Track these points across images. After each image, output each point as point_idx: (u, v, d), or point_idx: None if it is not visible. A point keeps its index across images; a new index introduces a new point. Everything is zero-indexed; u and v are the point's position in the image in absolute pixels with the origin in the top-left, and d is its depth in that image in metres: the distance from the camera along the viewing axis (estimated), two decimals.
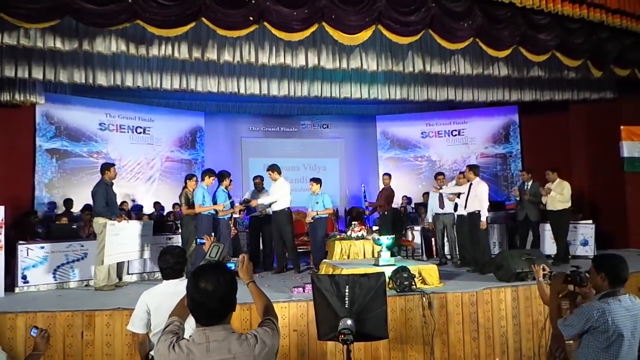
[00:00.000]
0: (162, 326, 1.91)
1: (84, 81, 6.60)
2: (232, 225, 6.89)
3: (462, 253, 7.22)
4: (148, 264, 6.72)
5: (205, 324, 1.72)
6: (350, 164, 12.19)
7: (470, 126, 11.48)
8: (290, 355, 4.58)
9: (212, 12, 5.32)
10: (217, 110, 11.31)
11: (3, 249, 5.64)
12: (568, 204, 7.13)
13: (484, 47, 6.39)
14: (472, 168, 6.92)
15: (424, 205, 8.86)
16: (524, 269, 5.42)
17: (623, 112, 8.70)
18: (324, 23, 5.70)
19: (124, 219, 6.21)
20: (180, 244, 6.70)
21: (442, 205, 7.56)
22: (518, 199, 7.68)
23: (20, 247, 5.96)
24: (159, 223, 7.67)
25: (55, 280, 6.09)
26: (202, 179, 6.68)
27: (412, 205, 10.35)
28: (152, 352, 2.64)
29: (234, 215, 7.12)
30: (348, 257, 6.63)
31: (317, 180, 7.37)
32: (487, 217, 6.60)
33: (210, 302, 1.69)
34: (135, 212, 9.33)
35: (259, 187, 7.77)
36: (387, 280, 4.90)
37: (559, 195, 7.06)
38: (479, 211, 6.56)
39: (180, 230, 6.98)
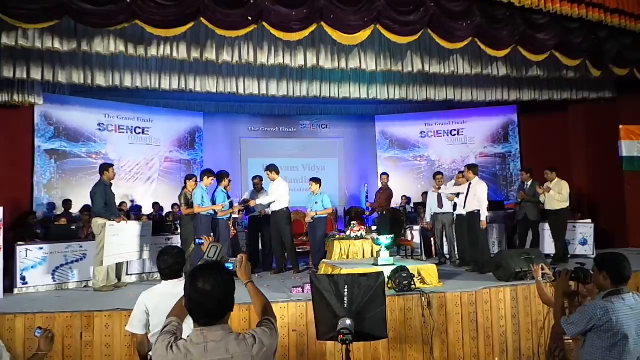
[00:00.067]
0: (161, 327, 1.91)
1: (82, 82, 6.59)
2: (231, 226, 6.88)
3: (461, 253, 7.22)
4: (147, 265, 6.71)
5: (203, 324, 1.72)
6: (349, 164, 12.20)
7: (469, 126, 11.49)
8: (289, 355, 4.58)
9: (211, 12, 5.31)
10: (216, 111, 11.32)
11: (2, 250, 5.63)
12: (566, 204, 7.13)
13: (483, 46, 6.39)
14: (471, 168, 6.92)
15: (423, 205, 8.86)
16: (523, 268, 5.42)
17: (622, 112, 8.71)
18: (322, 23, 5.69)
19: (123, 220, 6.20)
20: (179, 245, 6.71)
21: (440, 205, 7.57)
22: (520, 200, 7.69)
23: (19, 248, 5.95)
24: (158, 223, 7.67)
25: (54, 281, 6.08)
26: (201, 179, 6.68)
27: (412, 205, 10.36)
28: (151, 353, 2.63)
29: (233, 216, 7.11)
30: (347, 257, 6.63)
31: (316, 180, 7.36)
32: (486, 217, 6.60)
33: (208, 302, 1.69)
34: (135, 212, 9.33)
35: (258, 188, 7.76)
36: (387, 280, 4.92)
37: (557, 194, 7.06)
38: (478, 211, 6.55)
39: (179, 231, 6.98)
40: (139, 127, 10.38)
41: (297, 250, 7.59)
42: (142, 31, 5.59)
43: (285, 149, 11.68)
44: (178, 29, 5.40)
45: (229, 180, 7.01)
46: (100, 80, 6.69)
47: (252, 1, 5.38)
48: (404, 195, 10.42)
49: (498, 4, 6.16)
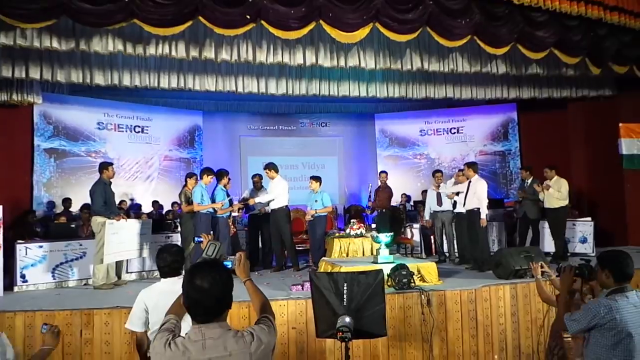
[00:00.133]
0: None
1: (81, 81, 6.59)
2: (230, 224, 6.89)
3: (461, 251, 7.23)
4: (147, 263, 6.72)
5: (201, 321, 1.72)
6: (349, 162, 12.20)
7: (469, 124, 11.48)
8: (289, 352, 4.59)
9: (209, 10, 5.31)
10: (215, 109, 11.31)
11: (2, 248, 5.64)
12: (565, 202, 7.12)
13: (482, 44, 6.38)
14: (471, 165, 6.92)
15: (422, 203, 8.86)
16: (522, 266, 5.42)
17: (622, 110, 8.70)
18: (321, 21, 5.69)
19: (123, 218, 6.21)
20: (179, 243, 6.72)
21: (439, 203, 7.57)
22: (521, 199, 7.69)
23: (18, 247, 5.97)
24: (158, 222, 7.68)
25: (54, 279, 6.10)
26: (201, 178, 6.68)
27: (411, 203, 10.36)
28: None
29: (233, 214, 7.12)
30: (347, 255, 6.64)
31: (316, 179, 7.37)
32: (486, 215, 6.60)
33: (206, 300, 1.69)
34: (134, 211, 9.33)
35: (258, 186, 7.77)
36: (386, 277, 4.92)
37: (556, 192, 7.06)
38: (478, 209, 6.56)
39: (179, 229, 6.98)
40: (139, 126, 10.37)
41: (297, 248, 7.60)
42: (140, 30, 5.58)
43: (285, 148, 11.68)
44: (176, 28, 5.40)
45: (229, 179, 7.02)
46: (99, 79, 6.69)
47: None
48: (404, 194, 10.43)
49: (497, 1, 6.16)
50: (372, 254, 6.25)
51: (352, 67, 6.78)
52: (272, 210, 7.09)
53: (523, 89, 8.44)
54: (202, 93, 7.91)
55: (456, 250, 7.43)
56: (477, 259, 6.54)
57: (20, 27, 5.21)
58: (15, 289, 5.82)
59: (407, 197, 10.46)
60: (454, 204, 7.26)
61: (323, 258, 6.46)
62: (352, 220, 7.37)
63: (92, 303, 4.84)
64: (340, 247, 6.70)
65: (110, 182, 6.22)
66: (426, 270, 5.44)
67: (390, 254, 5.76)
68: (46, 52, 5.96)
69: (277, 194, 7.01)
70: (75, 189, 9.08)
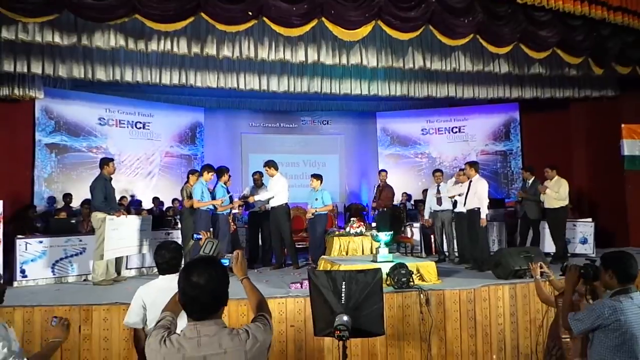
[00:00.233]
0: None
1: (83, 76, 6.60)
2: (231, 221, 6.89)
3: (461, 250, 7.22)
4: (147, 259, 6.72)
5: (197, 318, 1.72)
6: (350, 161, 12.19)
7: (471, 123, 11.47)
8: (287, 350, 4.59)
9: (211, 6, 5.30)
10: (217, 106, 11.31)
11: (2, 243, 5.65)
12: (565, 202, 7.10)
13: (485, 43, 6.36)
14: (473, 165, 6.90)
15: (423, 202, 8.85)
16: (522, 266, 5.40)
17: (624, 110, 8.66)
18: (323, 18, 5.68)
19: (123, 214, 6.21)
20: (179, 239, 6.72)
21: (439, 202, 7.56)
22: (520, 199, 7.67)
23: (18, 242, 5.97)
24: (158, 218, 7.68)
25: (54, 274, 6.10)
26: (201, 174, 6.68)
27: (412, 202, 10.35)
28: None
29: (233, 211, 7.12)
30: (346, 254, 6.63)
31: (317, 177, 7.36)
32: (486, 215, 6.59)
33: (202, 296, 1.69)
34: (135, 207, 9.34)
35: (258, 183, 7.76)
36: (385, 276, 4.92)
37: (553, 193, 7.05)
38: (479, 208, 6.54)
39: (179, 226, 6.98)
40: (140, 122, 10.38)
41: (297, 246, 7.60)
42: (142, 26, 5.58)
43: (286, 145, 11.68)
44: (178, 24, 5.40)
45: (229, 176, 7.01)
46: (101, 74, 6.69)
47: None
48: (405, 192, 10.42)
49: (500, 0, 6.14)
50: (371, 252, 6.23)
51: (354, 65, 6.76)
52: (272, 207, 7.08)
53: (525, 89, 8.42)
54: (204, 89, 7.92)
55: (456, 250, 7.42)
56: (476, 259, 6.52)
57: (22, 21, 5.21)
58: (15, 284, 5.83)
59: (408, 196, 10.45)
60: (454, 204, 7.24)
61: (322, 256, 6.46)
62: (352, 219, 7.36)
63: (91, 299, 4.84)
64: (340, 246, 6.69)
65: (111, 178, 6.21)
66: (425, 269, 5.43)
67: (389, 252, 5.75)
68: (48, 46, 5.96)
69: (276, 192, 7.01)
70: (76, 185, 9.10)
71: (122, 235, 6.07)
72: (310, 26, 5.73)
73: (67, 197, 8.76)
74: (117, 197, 7.22)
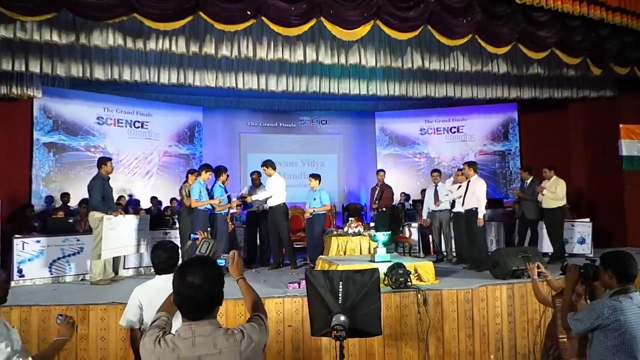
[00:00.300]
0: None
1: (81, 75, 6.59)
2: (229, 221, 6.88)
3: (458, 250, 7.22)
4: (144, 259, 6.71)
5: (192, 318, 1.71)
6: (348, 160, 12.19)
7: (469, 123, 11.47)
8: (284, 350, 4.58)
9: (210, 5, 5.30)
10: (215, 106, 11.29)
11: None
12: (562, 202, 7.10)
13: (483, 43, 6.37)
14: (471, 165, 6.90)
15: (421, 202, 8.85)
16: (519, 266, 5.40)
17: (622, 111, 8.68)
18: (322, 18, 5.68)
19: (120, 214, 6.20)
20: (177, 239, 6.72)
21: (436, 202, 7.55)
22: (517, 199, 7.66)
23: (16, 241, 5.95)
24: (156, 218, 7.67)
25: (51, 274, 6.09)
26: (199, 174, 6.67)
27: (410, 202, 10.35)
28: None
29: (231, 211, 7.11)
30: (344, 253, 6.62)
31: (316, 177, 7.35)
32: (484, 215, 6.59)
33: (198, 296, 1.69)
34: (133, 206, 9.32)
35: (256, 183, 7.75)
36: (383, 276, 4.92)
37: (550, 193, 7.05)
38: (477, 208, 6.54)
39: (177, 225, 6.97)
40: (138, 121, 10.36)
41: (295, 246, 7.59)
42: (140, 25, 5.57)
43: (285, 145, 11.67)
44: (177, 23, 5.39)
45: (227, 175, 7.00)
46: (99, 73, 6.68)
47: None
48: (403, 192, 10.41)
49: (499, 0, 6.14)
50: (369, 252, 6.23)
51: (353, 65, 6.77)
52: (269, 207, 7.08)
53: (524, 89, 8.43)
54: (202, 89, 7.91)
55: (454, 250, 7.42)
56: (474, 259, 6.53)
57: (20, 19, 5.20)
58: (12, 283, 5.79)
59: (406, 196, 10.45)
60: (452, 204, 7.24)
61: (320, 256, 6.44)
62: (350, 219, 7.35)
63: (88, 298, 4.83)
64: (338, 246, 6.68)
65: (109, 178, 6.20)
66: (423, 269, 5.43)
67: (387, 252, 5.75)
68: (46, 45, 5.94)
69: (274, 191, 7.00)
70: (74, 184, 9.08)
71: (119, 235, 6.05)
72: (309, 26, 5.73)
73: (65, 196, 8.74)
74: (115, 197, 7.20)
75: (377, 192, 8.16)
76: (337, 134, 12.22)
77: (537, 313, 5.12)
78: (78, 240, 6.32)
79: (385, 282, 4.95)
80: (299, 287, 5.05)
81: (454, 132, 11.61)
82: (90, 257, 5.97)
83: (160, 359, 1.65)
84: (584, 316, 2.56)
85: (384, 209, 8.16)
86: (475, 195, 6.59)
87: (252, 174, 7.95)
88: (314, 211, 7.11)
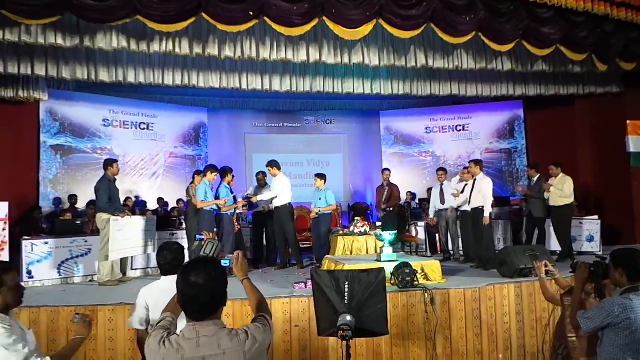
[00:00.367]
0: None
1: (86, 77, 6.65)
2: (235, 221, 6.90)
3: (465, 249, 7.19)
4: (152, 260, 6.74)
5: (195, 318, 1.72)
6: (354, 160, 12.17)
7: (475, 121, 11.42)
8: (292, 350, 4.58)
9: (212, 7, 5.32)
10: (220, 106, 11.33)
11: (8, 244, 5.68)
12: (570, 200, 7.04)
13: (487, 41, 6.34)
14: (477, 163, 6.88)
15: (428, 201, 8.81)
16: (527, 265, 5.36)
17: (629, 107, 8.60)
18: (324, 18, 5.68)
19: (127, 215, 6.23)
20: (184, 239, 6.74)
21: (442, 201, 7.52)
22: (524, 197, 7.61)
23: (24, 243, 6.00)
24: (163, 219, 7.70)
25: (60, 275, 6.13)
26: (205, 175, 6.69)
27: (417, 201, 10.32)
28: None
29: (237, 211, 7.13)
30: (351, 253, 6.62)
31: (321, 176, 7.35)
32: (490, 213, 6.56)
33: (201, 296, 1.69)
34: (140, 208, 9.37)
35: (262, 183, 7.76)
36: (389, 276, 4.91)
37: (557, 191, 7.00)
38: (483, 207, 6.51)
39: (184, 226, 6.99)
40: (144, 123, 10.41)
41: (302, 246, 7.59)
42: (144, 27, 5.60)
43: (290, 145, 11.67)
44: (179, 24, 5.41)
45: (233, 176, 7.02)
46: (104, 76, 6.72)
47: None
48: (409, 191, 10.39)
49: None
50: (376, 252, 6.22)
51: (356, 64, 6.76)
52: (275, 207, 7.08)
53: (529, 86, 8.37)
54: (207, 90, 7.93)
55: (461, 249, 7.39)
56: (481, 258, 6.49)
57: (25, 23, 5.25)
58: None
59: (413, 195, 10.42)
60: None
61: (327, 256, 6.44)
62: (356, 218, 7.33)
63: (96, 299, 4.86)
64: (344, 245, 6.68)
65: (115, 179, 6.23)
66: (430, 268, 5.41)
67: (394, 252, 5.74)
68: (51, 48, 6.00)
69: (279, 192, 7.00)
70: (81, 186, 9.13)
71: (127, 236, 6.08)
72: (312, 25, 5.73)
73: (73, 198, 8.80)
74: (122, 198, 7.24)
75: (386, 192, 8.10)
76: (342, 134, 12.20)
77: (545, 312, 5.09)
78: (86, 241, 6.36)
79: (392, 282, 4.94)
80: (306, 287, 5.05)
81: (460, 130, 11.57)
82: (98, 258, 6.00)
83: (165, 359, 1.65)
84: (594, 314, 2.54)
85: (392, 208, 8.14)
86: (481, 194, 6.56)
87: (257, 174, 7.96)
88: (319, 211, 7.11)
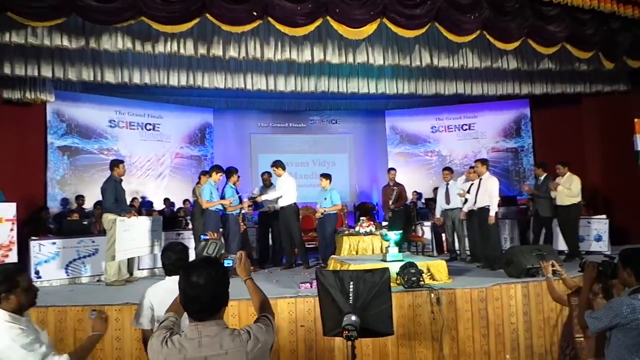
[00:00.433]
0: None
1: (92, 79, 6.69)
2: (240, 221, 6.91)
3: (472, 249, 7.15)
4: (159, 260, 6.74)
5: (197, 318, 1.72)
6: (359, 160, 12.15)
7: (481, 120, 11.37)
8: (298, 350, 4.58)
9: (216, 7, 5.33)
10: (225, 107, 11.35)
11: (16, 244, 5.72)
12: (577, 199, 6.98)
13: (492, 39, 6.30)
14: (483, 162, 6.84)
15: (434, 201, 8.78)
16: (534, 264, 5.32)
17: (636, 105, 8.48)
18: (328, 17, 5.67)
19: (134, 215, 6.26)
20: (191, 240, 6.76)
21: (447, 201, 7.49)
22: (531, 195, 7.55)
23: (32, 243, 6.05)
24: (169, 219, 7.73)
25: (68, 275, 6.18)
26: (210, 175, 6.70)
27: (423, 201, 10.28)
28: None
29: (243, 211, 7.14)
30: (356, 253, 6.61)
31: (326, 176, 7.35)
32: (496, 212, 6.51)
33: (202, 296, 1.70)
34: (146, 208, 9.41)
35: (267, 183, 7.77)
36: (395, 276, 4.89)
37: (565, 190, 6.94)
38: (489, 206, 6.48)
39: (190, 226, 7.01)
40: (150, 124, 10.46)
41: (308, 246, 7.58)
42: (148, 28, 5.62)
43: (295, 145, 11.68)
44: (184, 25, 5.43)
45: (238, 176, 7.03)
46: (110, 77, 6.76)
47: None
48: (415, 191, 10.36)
49: None
50: (381, 252, 6.21)
51: (361, 64, 6.75)
52: (280, 207, 7.08)
53: (535, 85, 8.32)
54: (212, 90, 7.96)
55: (467, 249, 7.35)
56: (488, 257, 6.46)
57: (31, 25, 5.29)
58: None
59: (419, 195, 10.39)
60: (465, 202, 7.17)
61: (332, 256, 6.44)
62: (361, 218, 7.32)
63: (103, 299, 4.88)
64: (350, 245, 6.67)
65: (121, 180, 6.26)
66: (436, 268, 5.38)
67: (400, 252, 5.72)
68: (57, 50, 6.05)
69: (284, 191, 7.01)
70: (88, 187, 9.20)
71: (133, 236, 6.11)
72: (315, 25, 5.73)
73: (80, 198, 8.87)
74: (129, 199, 7.27)
75: (395, 193, 8.05)
76: (347, 133, 12.19)
77: (553, 312, 5.05)
78: (93, 241, 6.41)
79: (398, 282, 4.92)
80: (311, 287, 5.04)
81: (466, 129, 11.52)
82: (105, 258, 6.03)
83: (167, 359, 1.65)
84: (602, 314, 2.51)
85: (399, 208, 8.11)
86: (487, 193, 6.52)
87: (262, 174, 7.97)
88: (325, 211, 7.10)
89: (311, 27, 5.68)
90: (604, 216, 7.82)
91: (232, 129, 11.61)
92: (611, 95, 8.54)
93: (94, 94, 9.53)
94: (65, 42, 5.58)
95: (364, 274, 3.16)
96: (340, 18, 5.66)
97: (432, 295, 4.79)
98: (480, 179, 6.72)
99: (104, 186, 6.09)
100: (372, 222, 7.19)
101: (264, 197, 7.21)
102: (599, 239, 7.58)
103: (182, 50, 5.97)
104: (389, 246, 5.65)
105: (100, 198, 6.72)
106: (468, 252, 7.33)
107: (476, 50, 6.81)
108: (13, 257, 5.62)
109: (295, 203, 7.09)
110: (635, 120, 8.38)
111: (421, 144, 11.84)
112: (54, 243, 6.18)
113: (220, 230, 6.41)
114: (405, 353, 4.68)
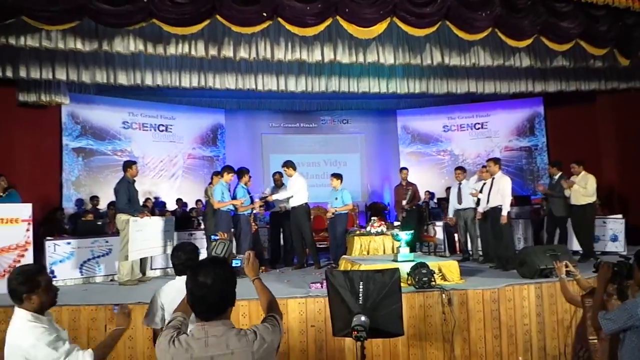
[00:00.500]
0: None
1: (105, 81, 6.78)
2: (252, 221, 6.94)
3: (485, 249, 7.08)
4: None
5: (204, 318, 1.73)
6: (371, 159, 12.11)
7: (494, 119, 11.25)
8: (308, 350, 4.58)
9: (226, 9, 5.36)
10: (237, 107, 11.42)
11: (32, 244, 5.82)
12: (592, 198, 6.86)
13: (504, 37, 6.23)
14: (496, 161, 6.78)
15: (446, 201, 8.72)
16: (548, 265, 5.24)
17: None
18: (338, 17, 5.67)
19: (147, 215, 6.32)
20: (203, 240, 6.82)
21: (460, 201, 7.42)
22: (544, 195, 7.45)
23: (47, 243, 6.15)
24: (182, 219, 7.79)
25: (82, 275, 6.26)
26: (221, 176, 6.74)
27: (435, 201, 10.21)
28: None
29: (254, 211, 7.17)
30: (367, 253, 6.59)
31: (337, 176, 7.34)
32: (508, 212, 6.44)
33: (209, 296, 1.70)
34: (159, 208, 9.51)
35: (279, 184, 7.80)
36: (406, 276, 4.87)
37: (581, 189, 6.82)
38: (502, 206, 6.41)
39: (203, 226, 7.06)
40: (162, 125, 10.56)
41: (319, 246, 7.59)
42: (160, 30, 5.68)
43: (306, 145, 11.69)
44: (194, 27, 5.47)
45: (249, 177, 7.07)
46: (123, 79, 6.85)
47: None
48: (428, 191, 10.29)
49: None
50: (393, 252, 6.18)
51: (372, 63, 6.71)
52: (292, 207, 7.10)
53: (549, 82, 8.20)
54: (224, 91, 8.01)
55: (479, 249, 7.28)
56: (500, 258, 6.39)
57: (45, 29, 5.38)
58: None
59: (431, 195, 10.32)
60: (478, 202, 7.10)
61: (343, 256, 6.43)
62: (373, 218, 7.30)
63: (116, 299, 4.93)
64: (361, 245, 6.66)
65: (134, 181, 6.33)
66: (447, 268, 5.34)
67: (411, 252, 5.69)
68: (71, 53, 6.14)
69: (295, 191, 7.02)
70: (103, 187, 9.31)
71: (146, 237, 6.18)
72: (325, 25, 5.72)
73: (94, 199, 8.99)
74: (141, 199, 7.35)
75: (409, 192, 8.00)
76: (358, 133, 12.16)
77: (567, 313, 4.97)
78: (107, 241, 6.49)
79: (409, 282, 4.90)
80: (322, 287, 5.03)
81: (478, 128, 11.40)
82: (118, 258, 6.11)
83: (174, 358, 1.67)
84: (616, 315, 2.48)
85: (412, 208, 8.07)
86: (500, 192, 6.46)
87: (274, 174, 8.00)
88: (336, 211, 7.10)
89: (321, 27, 5.68)
90: (619, 216, 7.68)
91: (243, 129, 11.66)
92: (627, 92, 8.37)
93: (108, 96, 9.66)
94: (79, 45, 5.67)
95: (373, 275, 3.15)
96: (350, 17, 5.65)
97: (444, 295, 4.76)
98: (493, 179, 6.65)
99: (117, 187, 6.17)
100: (383, 222, 7.16)
101: (274, 197, 7.23)
102: (614, 239, 7.45)
103: (193, 52, 6.01)
104: (400, 246, 5.63)
105: (114, 199, 6.82)
106: (480, 253, 7.25)
107: (488, 48, 6.74)
108: (29, 257, 5.72)
109: (306, 203, 7.10)
110: None
111: (433, 143, 11.76)
112: (68, 243, 6.27)
113: (232, 230, 6.44)
114: (416, 354, 4.65)
